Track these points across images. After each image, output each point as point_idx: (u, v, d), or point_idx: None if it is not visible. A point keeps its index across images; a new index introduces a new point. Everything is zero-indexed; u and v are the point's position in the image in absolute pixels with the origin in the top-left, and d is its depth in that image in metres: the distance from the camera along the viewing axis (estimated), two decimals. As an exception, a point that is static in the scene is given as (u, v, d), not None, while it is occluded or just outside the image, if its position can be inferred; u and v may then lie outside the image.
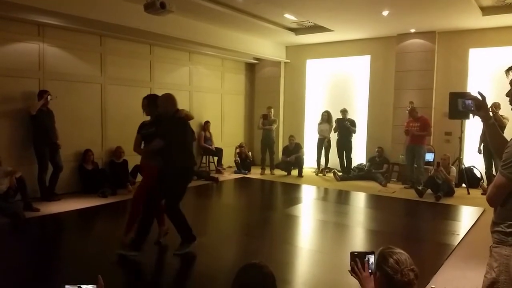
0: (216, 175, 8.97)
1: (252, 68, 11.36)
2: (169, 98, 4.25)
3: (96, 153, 7.31)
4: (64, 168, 6.66)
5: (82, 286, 1.66)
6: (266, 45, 10.16)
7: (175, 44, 8.42)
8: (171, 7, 5.27)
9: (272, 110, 9.82)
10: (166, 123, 4.17)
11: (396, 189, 7.98)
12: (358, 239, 5.29)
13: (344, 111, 9.19)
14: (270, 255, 4.40)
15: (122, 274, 3.96)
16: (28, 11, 5.91)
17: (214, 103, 10.26)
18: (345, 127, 9.12)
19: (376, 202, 7.19)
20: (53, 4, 5.75)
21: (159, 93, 4.50)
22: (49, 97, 6.34)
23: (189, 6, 6.76)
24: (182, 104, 8.98)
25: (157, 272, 4.18)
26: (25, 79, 6.51)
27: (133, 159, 6.87)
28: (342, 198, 7.59)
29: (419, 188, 7.31)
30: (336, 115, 9.35)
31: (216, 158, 9.69)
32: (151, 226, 4.18)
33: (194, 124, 9.52)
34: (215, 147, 9.63)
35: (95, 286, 1.69)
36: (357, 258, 1.90)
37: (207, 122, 9.65)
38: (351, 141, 9.26)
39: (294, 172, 9.54)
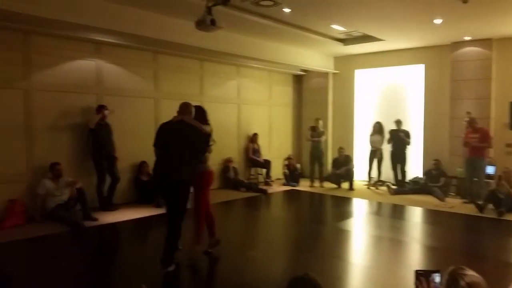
0: (264, 187, 8.97)
1: (300, 80, 11.33)
2: (179, 106, 4.31)
3: (151, 165, 7.49)
4: (121, 179, 6.93)
5: None
6: (314, 56, 10.11)
7: (223, 58, 8.62)
8: (221, 24, 5.37)
9: (321, 122, 9.69)
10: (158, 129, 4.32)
11: (455, 204, 7.55)
12: (415, 256, 5.03)
13: (398, 122, 8.91)
14: (321, 269, 4.29)
15: (173, 284, 4.02)
16: (86, 30, 6.26)
17: (262, 115, 10.32)
18: (400, 138, 8.82)
19: (434, 217, 6.83)
20: (109, 23, 6.07)
21: (208, 106, 4.58)
22: (106, 111, 6.65)
23: (238, 22, 6.88)
24: (230, 116, 9.34)
25: (207, 284, 4.21)
26: (84, 95, 6.88)
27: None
28: (397, 213, 7.27)
29: (479, 203, 6.87)
30: (387, 126, 9.08)
31: (264, 170, 9.71)
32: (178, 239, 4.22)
33: (242, 136, 9.72)
34: (263, 159, 9.66)
35: None
36: (422, 277, 1.79)
37: (255, 134, 9.71)
38: (405, 152, 8.91)
39: (345, 185, 9.32)
